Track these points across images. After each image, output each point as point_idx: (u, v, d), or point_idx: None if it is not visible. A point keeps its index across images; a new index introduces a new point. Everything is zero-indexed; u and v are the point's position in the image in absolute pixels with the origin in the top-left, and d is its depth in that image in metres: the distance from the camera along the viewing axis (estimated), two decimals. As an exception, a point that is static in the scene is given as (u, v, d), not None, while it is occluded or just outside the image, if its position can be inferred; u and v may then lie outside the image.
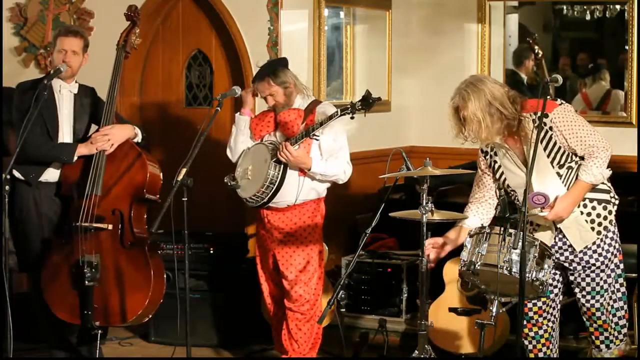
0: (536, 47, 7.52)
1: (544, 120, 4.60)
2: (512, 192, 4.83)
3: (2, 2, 7.15)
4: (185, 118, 7.24)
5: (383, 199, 4.70)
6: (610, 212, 4.73)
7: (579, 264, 4.75)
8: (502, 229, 4.54)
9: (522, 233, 4.31)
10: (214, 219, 6.98)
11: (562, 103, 4.69)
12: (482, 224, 4.77)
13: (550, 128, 4.63)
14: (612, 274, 4.78)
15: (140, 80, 7.36)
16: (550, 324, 4.93)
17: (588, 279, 4.76)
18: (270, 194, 5.44)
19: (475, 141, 4.74)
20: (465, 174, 5.29)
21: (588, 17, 7.81)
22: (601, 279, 4.75)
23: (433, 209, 4.59)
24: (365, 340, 6.28)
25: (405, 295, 6.46)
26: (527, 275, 4.40)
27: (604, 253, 4.73)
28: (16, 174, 5.56)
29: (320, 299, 5.67)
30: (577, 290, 4.82)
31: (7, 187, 5.04)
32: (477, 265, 4.53)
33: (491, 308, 4.59)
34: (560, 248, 4.76)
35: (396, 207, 4.94)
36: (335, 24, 7.43)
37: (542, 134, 4.62)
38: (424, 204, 4.58)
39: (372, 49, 7.66)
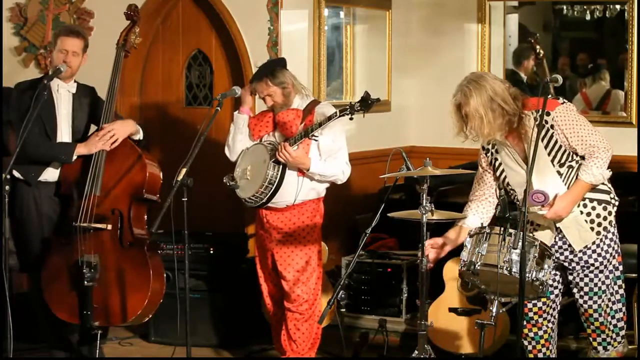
0: (537, 46, 7.53)
1: (546, 118, 4.61)
2: (511, 192, 4.83)
3: (2, 2, 7.15)
4: (185, 118, 7.24)
5: (383, 199, 4.70)
6: (610, 213, 4.73)
7: (577, 263, 4.75)
8: (502, 229, 4.54)
9: (522, 233, 4.31)
10: (214, 219, 6.98)
11: (564, 102, 4.70)
12: (482, 224, 4.77)
13: (552, 126, 4.63)
14: (611, 275, 4.77)
15: (140, 80, 7.36)
16: (550, 324, 4.93)
17: (586, 279, 4.76)
18: (269, 194, 5.44)
19: (476, 139, 4.75)
20: (465, 174, 5.29)
21: (588, 17, 7.81)
22: (599, 279, 4.75)
23: (433, 209, 4.60)
24: (365, 340, 6.28)
25: (405, 295, 6.45)
26: (527, 275, 4.40)
27: (602, 253, 4.73)
28: (16, 173, 5.56)
29: (319, 299, 5.67)
30: (575, 290, 4.82)
31: (7, 187, 5.04)
32: (477, 265, 4.53)
33: (491, 308, 4.59)
34: (560, 247, 4.76)
35: (396, 207, 4.94)
36: (335, 24, 7.43)
37: (544, 132, 4.63)
38: (424, 204, 4.58)
39: (372, 49, 7.66)
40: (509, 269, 4.45)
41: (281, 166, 5.41)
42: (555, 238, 4.76)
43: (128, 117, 6.28)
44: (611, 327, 4.81)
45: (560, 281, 4.89)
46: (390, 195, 4.83)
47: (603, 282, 4.76)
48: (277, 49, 6.68)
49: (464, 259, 4.65)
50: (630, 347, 5.02)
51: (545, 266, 4.54)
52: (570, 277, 4.81)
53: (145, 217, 5.65)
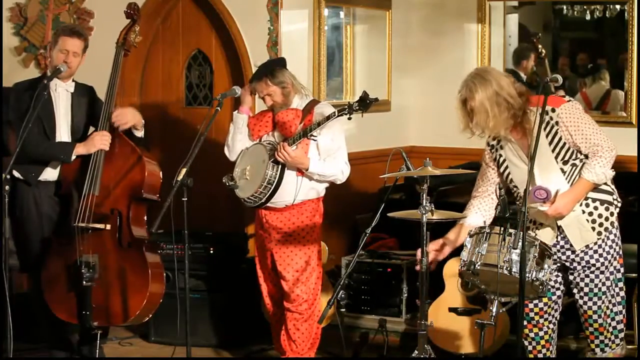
0: (539, 46, 7.53)
1: (551, 114, 4.62)
2: (514, 189, 4.83)
3: (2, 2, 7.15)
4: (185, 118, 7.24)
5: (383, 199, 4.70)
6: (612, 214, 4.73)
7: (579, 263, 4.75)
8: (502, 229, 4.54)
9: (522, 233, 4.31)
10: (213, 219, 6.98)
11: (570, 100, 4.72)
12: (484, 222, 4.77)
13: (557, 123, 4.64)
14: (612, 277, 4.77)
15: (140, 80, 7.36)
16: (551, 325, 4.92)
17: (587, 280, 4.76)
18: (268, 194, 5.44)
19: (482, 136, 4.75)
20: (465, 174, 5.29)
21: (588, 17, 7.80)
22: (600, 280, 4.75)
23: (433, 209, 4.60)
24: (365, 340, 6.28)
25: (405, 295, 6.45)
26: (527, 275, 4.40)
27: (604, 254, 4.73)
28: (16, 173, 5.56)
29: (318, 299, 5.67)
30: (575, 291, 4.82)
31: (7, 187, 5.04)
32: (477, 265, 4.53)
33: (491, 308, 4.59)
34: (562, 247, 4.76)
35: (396, 207, 4.93)
36: (335, 24, 7.43)
37: (548, 128, 4.64)
38: (424, 204, 4.58)
39: (372, 49, 7.66)
40: (509, 268, 4.45)
41: (280, 166, 5.41)
42: (557, 237, 4.76)
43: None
44: (610, 329, 4.81)
45: (562, 282, 4.88)
46: (390, 195, 4.83)
47: (603, 284, 4.76)
48: (277, 49, 6.68)
49: (464, 259, 4.65)
50: (630, 347, 5.02)
51: (545, 266, 4.54)
52: (571, 277, 4.81)
53: (145, 217, 5.64)
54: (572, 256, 4.76)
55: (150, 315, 5.65)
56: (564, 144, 4.66)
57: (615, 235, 4.76)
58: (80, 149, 5.60)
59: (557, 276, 4.85)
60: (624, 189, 5.53)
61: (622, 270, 4.81)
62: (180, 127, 7.19)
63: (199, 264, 6.38)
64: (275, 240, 5.57)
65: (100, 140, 5.57)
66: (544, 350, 4.93)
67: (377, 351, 6.16)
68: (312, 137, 5.35)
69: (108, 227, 5.53)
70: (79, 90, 5.80)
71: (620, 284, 4.82)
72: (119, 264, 5.51)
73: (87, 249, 5.49)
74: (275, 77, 5.47)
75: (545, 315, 4.90)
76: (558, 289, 4.89)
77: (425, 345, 4.69)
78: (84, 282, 5.40)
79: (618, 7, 7.46)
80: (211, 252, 6.48)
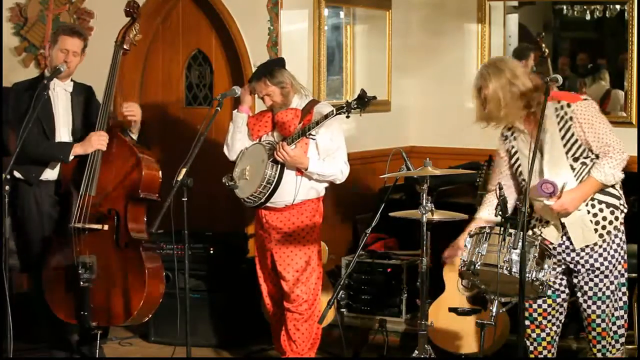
0: (543, 45, 7.54)
1: (566, 109, 4.64)
2: (523, 182, 4.82)
3: (2, 2, 7.15)
4: (185, 118, 7.24)
5: (383, 199, 4.70)
6: (616, 218, 4.72)
7: (583, 266, 4.74)
8: (502, 229, 4.54)
9: (522, 233, 4.31)
10: (213, 219, 6.98)
11: (586, 98, 4.73)
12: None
13: (571, 118, 4.64)
14: (616, 281, 4.76)
15: (140, 80, 7.36)
16: (554, 327, 4.92)
17: (591, 284, 4.75)
18: (268, 193, 5.44)
19: (497, 127, 4.75)
20: (465, 174, 5.29)
21: (588, 17, 7.80)
22: (604, 284, 4.74)
23: (433, 208, 4.60)
24: (365, 340, 6.28)
25: (405, 295, 6.45)
26: (527, 275, 4.40)
27: (609, 258, 4.72)
28: (17, 174, 5.56)
29: (319, 299, 5.67)
30: (579, 294, 4.80)
31: (7, 187, 5.04)
32: (477, 265, 4.53)
33: (491, 308, 4.59)
34: (567, 247, 4.75)
35: (396, 207, 4.94)
36: (335, 24, 7.43)
37: (562, 123, 4.65)
38: (424, 204, 4.58)
39: (372, 49, 7.66)
40: (509, 269, 4.45)
41: (279, 166, 5.41)
42: (562, 237, 4.75)
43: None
44: (611, 334, 4.80)
45: (567, 285, 4.88)
46: (390, 195, 4.83)
47: (608, 288, 4.75)
48: (277, 49, 6.68)
49: (464, 259, 4.65)
50: (630, 347, 5.02)
51: (545, 266, 4.53)
52: (575, 281, 4.80)
53: (145, 217, 5.64)
54: (577, 258, 4.74)
55: (150, 315, 5.65)
56: (576, 140, 4.66)
57: (620, 239, 4.75)
58: (77, 149, 5.59)
59: (562, 279, 4.85)
60: (624, 189, 5.53)
61: (626, 275, 4.81)
62: (180, 127, 7.19)
63: (199, 264, 6.38)
64: (275, 240, 5.57)
65: (97, 141, 5.57)
66: (545, 352, 4.93)
67: (377, 351, 6.16)
68: (311, 136, 5.35)
69: (105, 227, 5.53)
70: (77, 89, 5.80)
71: (624, 289, 4.81)
72: (116, 265, 5.50)
73: (85, 250, 5.48)
74: (275, 77, 5.47)
75: (549, 317, 4.89)
76: (563, 292, 4.87)
77: (425, 345, 4.69)
78: (81, 283, 5.40)
79: (618, 7, 7.47)
80: (211, 252, 6.48)
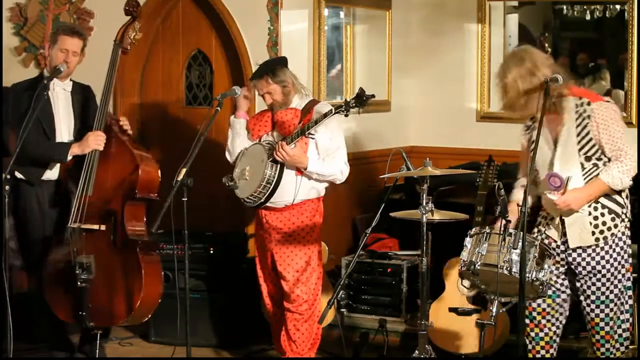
0: (546, 44, 7.54)
1: (585, 107, 4.65)
2: (534, 172, 4.82)
3: (2, 2, 7.15)
4: (185, 118, 7.24)
5: (383, 199, 4.70)
6: (615, 226, 4.70)
7: (584, 268, 4.73)
8: (502, 229, 4.54)
9: (522, 233, 4.31)
10: (214, 219, 6.98)
11: (608, 100, 4.74)
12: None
13: (589, 117, 4.65)
14: (619, 285, 4.75)
15: (140, 80, 7.36)
16: (553, 327, 4.91)
17: (593, 287, 4.74)
18: (267, 193, 5.44)
19: (523, 117, 4.78)
20: (465, 174, 5.29)
21: (588, 17, 7.81)
22: (607, 288, 4.74)
23: (433, 208, 4.59)
24: (365, 340, 6.28)
25: (405, 295, 6.45)
26: (527, 275, 4.40)
27: (611, 260, 4.71)
28: (18, 174, 5.57)
29: (319, 299, 5.67)
30: (582, 298, 4.80)
31: (7, 187, 5.04)
32: (477, 265, 4.53)
33: (491, 308, 4.59)
34: (568, 248, 4.75)
35: (396, 207, 4.94)
36: (335, 24, 7.42)
37: (580, 120, 4.66)
38: (424, 204, 4.58)
39: (372, 49, 7.66)
40: (509, 269, 4.45)
41: (279, 165, 5.41)
42: (563, 236, 4.74)
43: (128, 117, 6.27)
44: (616, 337, 4.79)
45: (568, 286, 4.87)
46: (390, 195, 4.83)
47: (611, 291, 4.74)
48: (277, 49, 6.68)
49: (464, 259, 4.65)
50: (630, 347, 5.01)
51: (545, 266, 4.54)
52: (578, 284, 4.79)
53: (144, 217, 5.64)
54: (578, 259, 4.74)
55: (150, 316, 5.65)
56: (590, 139, 4.66)
57: (624, 243, 4.74)
58: (75, 149, 5.59)
59: (563, 279, 4.84)
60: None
61: (631, 278, 4.80)
62: (180, 127, 7.19)
63: (199, 264, 6.38)
64: (276, 240, 5.57)
65: (94, 141, 5.57)
66: (542, 352, 4.93)
67: (377, 351, 6.16)
68: (310, 135, 5.35)
69: (103, 227, 5.53)
70: (76, 89, 5.80)
71: (630, 292, 4.81)
72: (114, 265, 5.50)
73: (82, 250, 5.48)
74: (277, 76, 5.47)
75: (548, 317, 4.89)
76: (563, 292, 4.87)
77: (426, 346, 4.69)
78: (79, 283, 5.40)
79: (618, 7, 7.47)
80: (211, 252, 6.48)
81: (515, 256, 4.43)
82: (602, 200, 4.69)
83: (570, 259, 4.76)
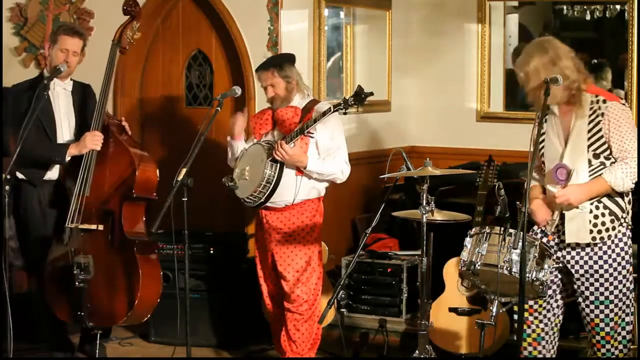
0: None
1: (600, 104, 4.66)
2: (543, 165, 4.81)
3: (2, 2, 7.15)
4: (185, 118, 7.24)
5: (383, 199, 4.70)
6: (614, 228, 4.69)
7: (582, 267, 4.73)
8: (502, 229, 4.54)
9: (522, 233, 4.31)
10: (214, 219, 6.98)
11: (624, 103, 4.75)
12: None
13: (602, 114, 4.65)
14: (620, 286, 4.74)
15: (140, 80, 7.35)
16: (541, 325, 4.89)
17: (592, 288, 4.73)
18: (267, 193, 5.43)
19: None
20: (465, 174, 5.29)
21: (588, 17, 7.81)
22: (605, 289, 4.73)
23: (433, 208, 4.59)
24: (365, 340, 6.28)
25: (405, 295, 6.45)
26: (527, 275, 4.39)
27: (609, 261, 4.70)
28: (20, 175, 5.57)
29: (319, 299, 5.67)
30: (580, 299, 4.78)
31: (7, 187, 5.04)
32: (477, 265, 4.53)
33: (491, 308, 4.59)
34: (568, 245, 4.75)
35: (396, 207, 4.94)
36: (335, 24, 7.42)
37: (593, 116, 4.66)
38: (424, 204, 4.58)
39: (372, 49, 7.66)
40: (509, 269, 4.45)
41: (279, 165, 5.41)
42: (560, 234, 4.74)
43: (128, 117, 6.28)
44: (619, 339, 4.78)
45: (560, 285, 4.86)
46: (390, 195, 4.83)
47: (611, 292, 4.73)
48: (277, 49, 6.68)
49: (464, 259, 4.64)
50: (631, 346, 5.01)
51: (545, 266, 4.53)
52: (575, 286, 4.79)
53: (143, 217, 5.63)
54: (577, 257, 4.73)
55: (149, 316, 5.65)
56: (601, 136, 4.66)
57: (625, 243, 4.73)
58: (72, 150, 5.60)
59: (555, 276, 4.84)
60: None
61: (634, 282, 4.79)
62: (180, 127, 7.18)
63: (199, 264, 6.38)
64: (276, 240, 5.57)
65: (91, 141, 5.57)
66: (530, 348, 4.89)
67: (377, 351, 6.16)
68: (310, 134, 5.35)
69: (100, 227, 5.53)
70: (76, 88, 5.80)
71: (632, 294, 4.80)
72: (112, 265, 5.50)
73: (80, 250, 5.48)
74: (283, 70, 5.49)
75: (535, 314, 4.87)
76: (553, 289, 4.85)
77: (426, 346, 4.69)
78: (77, 283, 5.39)
79: (618, 7, 7.47)
80: (211, 252, 6.48)
81: (515, 256, 4.43)
82: (605, 200, 4.68)
83: (569, 257, 4.76)
